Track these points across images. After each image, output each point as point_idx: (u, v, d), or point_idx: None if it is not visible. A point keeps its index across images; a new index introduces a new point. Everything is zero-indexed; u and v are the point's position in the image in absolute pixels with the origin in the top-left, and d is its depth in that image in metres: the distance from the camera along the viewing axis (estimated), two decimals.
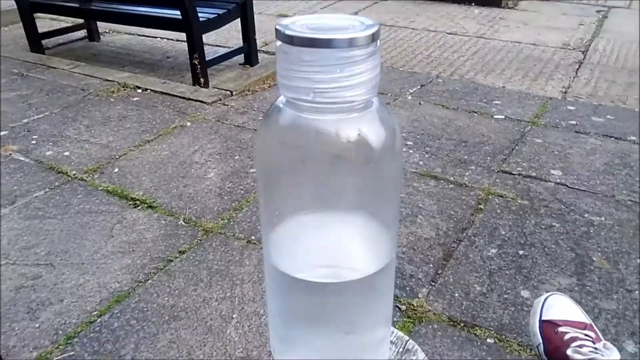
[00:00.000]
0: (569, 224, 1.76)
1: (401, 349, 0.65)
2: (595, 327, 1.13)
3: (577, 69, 3.34)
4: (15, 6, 3.49)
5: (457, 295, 1.47)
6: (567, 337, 1.07)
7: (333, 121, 0.43)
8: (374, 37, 0.41)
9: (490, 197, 1.91)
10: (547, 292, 1.29)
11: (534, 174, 2.07)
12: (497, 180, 2.02)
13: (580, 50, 3.67)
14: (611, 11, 4.71)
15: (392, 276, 0.54)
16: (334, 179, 0.45)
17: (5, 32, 4.26)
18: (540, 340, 1.13)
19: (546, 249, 1.65)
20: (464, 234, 1.72)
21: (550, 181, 2.02)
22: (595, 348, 1.02)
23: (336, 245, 0.49)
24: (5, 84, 2.95)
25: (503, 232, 1.72)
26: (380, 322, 0.55)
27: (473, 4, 5.01)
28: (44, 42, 3.62)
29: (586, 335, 1.08)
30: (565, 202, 1.88)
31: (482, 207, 1.85)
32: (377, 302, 0.53)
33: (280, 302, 0.54)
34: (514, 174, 2.06)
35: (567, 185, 1.99)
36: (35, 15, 3.53)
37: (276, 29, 0.42)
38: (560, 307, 1.16)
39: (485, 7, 4.91)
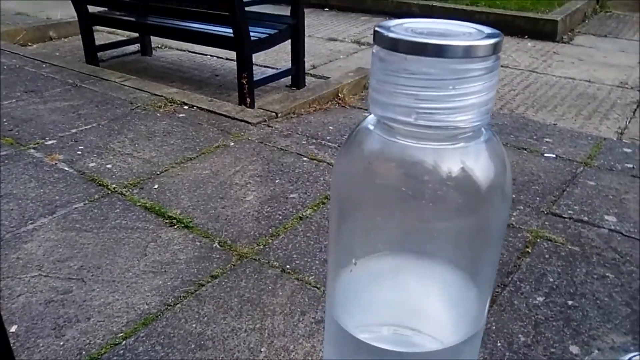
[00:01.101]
0: (624, 276, 1.64)
1: None
2: None
3: (635, 110, 3.20)
4: (76, 18, 3.60)
5: (499, 344, 1.38)
6: None
7: (433, 150, 0.35)
8: (496, 48, 0.34)
9: (538, 240, 1.81)
10: (601, 349, 1.18)
11: (585, 218, 1.95)
12: (546, 222, 1.92)
13: (639, 90, 3.52)
14: None
15: (477, 349, 0.45)
16: (425, 220, 0.37)
17: (65, 43, 4.41)
18: None
19: (598, 302, 1.53)
20: (509, 279, 1.62)
21: (604, 227, 1.90)
22: None
23: (414, 302, 0.41)
24: (59, 93, 3.02)
25: (551, 279, 1.62)
26: None
27: (526, 36, 4.91)
28: (99, 54, 3.72)
29: None
30: (620, 252, 1.76)
31: (530, 251, 1.75)
32: None
33: None
34: (565, 217, 1.96)
35: (622, 233, 1.87)
36: (93, 27, 3.63)
37: (375, 32, 0.34)
38: None
39: (539, 41, 4.80)
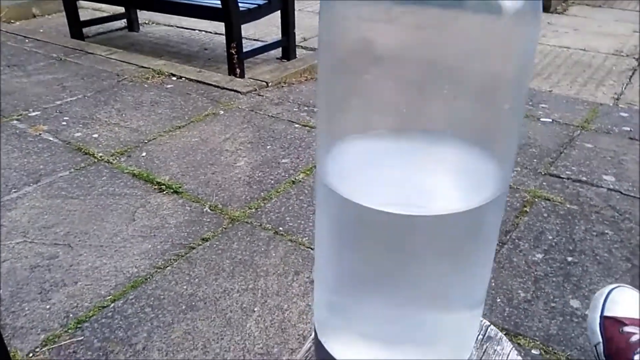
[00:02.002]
0: (624, 232, 1.61)
1: (481, 336, 0.52)
2: None
3: (631, 76, 3.16)
4: None
5: (499, 300, 1.35)
6: (634, 339, 0.90)
7: None
8: None
9: (536, 200, 1.78)
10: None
11: (584, 178, 1.92)
12: (544, 183, 1.88)
13: (635, 57, 3.48)
14: None
15: (498, 221, 0.39)
16: (436, 82, 0.32)
17: (49, 20, 4.31)
18: (600, 340, 0.96)
19: (598, 257, 1.50)
20: (508, 237, 1.59)
21: (602, 187, 1.86)
22: None
23: (424, 172, 0.36)
24: (42, 67, 2.94)
25: (550, 237, 1.59)
26: (474, 293, 0.41)
27: None
28: (84, 30, 3.63)
29: None
30: (619, 210, 1.73)
31: (528, 210, 1.72)
32: (477, 257, 0.38)
33: (337, 250, 0.39)
34: (563, 178, 1.92)
35: (621, 192, 1.83)
36: (78, 4, 3.54)
37: None
38: (627, 302, 0.98)
39: None
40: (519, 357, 0.53)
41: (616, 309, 0.97)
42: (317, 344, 0.46)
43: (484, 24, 0.31)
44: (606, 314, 0.97)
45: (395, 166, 0.35)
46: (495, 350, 0.51)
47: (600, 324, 0.97)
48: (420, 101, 0.33)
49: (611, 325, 0.95)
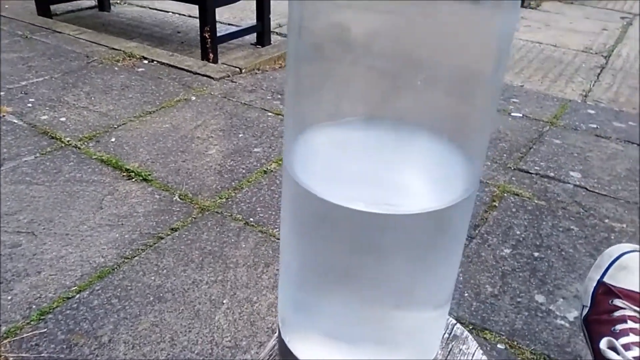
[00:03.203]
0: (588, 229, 1.65)
1: (447, 335, 0.51)
2: None
3: (599, 74, 3.21)
4: None
5: (466, 295, 1.37)
6: (617, 313, 0.83)
7: None
8: None
9: (505, 194, 1.80)
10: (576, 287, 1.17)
11: (552, 174, 1.95)
12: (513, 178, 1.91)
13: (603, 55, 3.54)
14: (636, 18, 4.57)
15: (467, 220, 0.39)
16: (403, 69, 0.31)
17: None
18: (588, 303, 0.89)
19: (563, 253, 1.53)
20: (477, 231, 1.61)
21: (569, 183, 1.90)
22: None
23: (392, 167, 0.35)
24: (6, 45, 2.84)
25: (518, 232, 1.61)
26: (441, 292, 0.40)
27: None
28: (52, 8, 3.51)
29: None
30: (584, 206, 1.77)
31: (497, 205, 1.74)
32: (444, 257, 0.38)
33: (302, 246, 0.38)
34: (531, 173, 1.95)
35: (586, 188, 1.87)
36: None
37: None
38: (634, 271, 0.88)
39: None
40: (484, 357, 0.54)
41: (619, 277, 0.89)
42: (281, 342, 0.46)
43: (461, 12, 0.30)
44: (606, 279, 0.89)
45: (363, 159, 0.34)
46: (460, 350, 0.51)
47: (595, 287, 0.90)
48: (392, 91, 0.32)
49: (604, 292, 0.88)
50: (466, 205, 0.37)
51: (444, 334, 0.51)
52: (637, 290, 0.85)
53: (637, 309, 0.82)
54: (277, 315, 1.26)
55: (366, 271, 0.36)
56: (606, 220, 1.69)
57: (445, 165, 0.36)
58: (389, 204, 0.34)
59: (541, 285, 1.41)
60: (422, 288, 0.38)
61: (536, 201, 1.78)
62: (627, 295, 0.85)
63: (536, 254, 1.53)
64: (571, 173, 1.97)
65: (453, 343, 0.51)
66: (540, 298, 1.37)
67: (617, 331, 0.80)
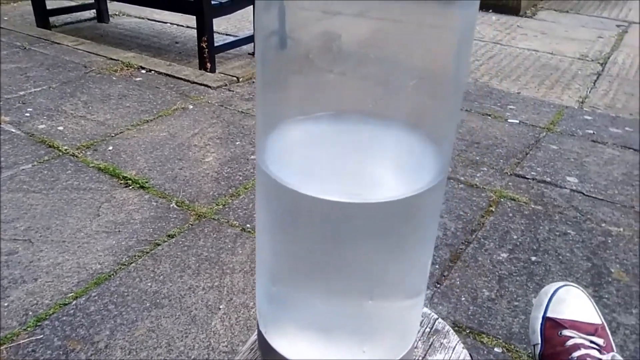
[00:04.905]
0: (585, 233, 1.65)
1: (428, 329, 0.52)
2: (607, 330, 0.94)
3: (595, 80, 3.23)
4: None
5: (463, 299, 1.36)
6: (570, 342, 0.89)
7: None
8: None
9: (502, 199, 1.80)
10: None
11: (548, 179, 1.96)
12: (510, 183, 1.91)
13: (599, 62, 3.56)
14: (631, 26, 4.60)
15: (437, 207, 0.39)
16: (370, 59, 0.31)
17: (14, 7, 4.18)
18: (539, 341, 0.95)
19: (560, 257, 1.53)
20: (473, 236, 1.61)
21: (566, 187, 1.90)
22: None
23: (361, 156, 0.35)
24: (5, 56, 2.86)
25: (515, 237, 1.61)
26: (415, 281, 0.40)
27: (490, 11, 4.91)
28: (51, 19, 3.54)
29: (593, 342, 0.89)
30: (581, 210, 1.77)
31: (493, 210, 1.74)
32: (416, 245, 0.38)
33: (276, 238, 0.38)
34: (528, 178, 1.95)
35: (583, 193, 1.87)
36: None
37: None
38: (571, 303, 0.96)
39: (502, 15, 4.81)
40: (465, 350, 0.54)
41: (560, 310, 0.95)
42: (260, 335, 0.46)
43: (423, 12, 0.31)
44: (549, 314, 0.96)
45: (332, 151, 0.35)
46: (441, 344, 0.51)
47: (541, 324, 0.96)
48: (360, 84, 0.33)
49: (551, 327, 0.94)
50: (436, 192, 0.37)
51: (425, 328, 0.51)
52: (578, 319, 0.92)
53: (585, 336, 0.88)
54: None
55: (339, 261, 0.37)
56: (603, 225, 1.70)
57: (414, 154, 0.36)
58: (359, 194, 0.34)
59: (538, 289, 1.41)
60: (395, 277, 0.38)
61: (533, 206, 1.78)
62: (572, 325, 0.91)
63: (533, 258, 1.53)
64: (568, 178, 1.97)
65: (434, 337, 0.51)
66: None
67: (575, 358, 0.85)
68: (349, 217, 0.35)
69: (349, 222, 0.35)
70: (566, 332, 0.92)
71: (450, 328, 0.52)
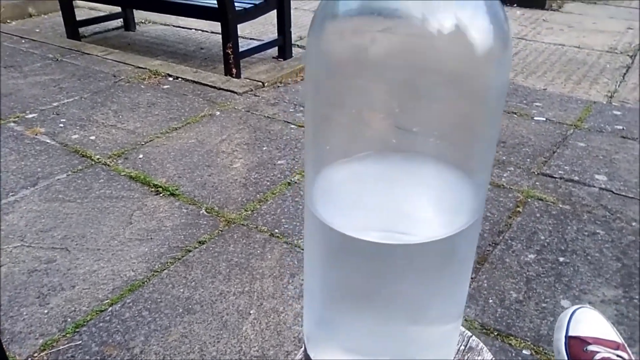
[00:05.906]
0: (615, 232, 1.63)
1: (462, 347, 0.54)
2: (627, 349, 0.99)
3: (625, 74, 3.17)
4: None
5: (491, 301, 1.37)
6: (597, 357, 0.93)
7: (421, 3, 0.31)
8: None
9: (529, 200, 1.80)
10: (584, 302, 1.17)
11: (576, 178, 1.94)
12: (537, 182, 1.90)
13: (629, 55, 3.49)
14: None
15: (474, 243, 0.42)
16: (409, 96, 0.33)
17: (45, 19, 4.30)
18: (566, 358, 0.99)
19: (589, 257, 1.52)
20: (501, 237, 1.61)
21: (595, 186, 1.89)
22: None
23: (402, 199, 0.38)
24: (39, 68, 2.95)
25: (542, 237, 1.61)
26: (453, 308, 0.43)
27: (515, 5, 4.85)
28: (80, 30, 3.63)
29: (619, 356, 0.93)
30: (610, 209, 1.75)
31: (521, 210, 1.74)
32: (455, 278, 0.41)
33: (323, 272, 0.41)
34: (555, 177, 1.94)
35: (612, 192, 1.85)
36: (74, 3, 3.54)
37: None
38: (590, 322, 1.01)
39: (527, 9, 4.75)
40: None
41: (580, 329, 1.00)
42: (307, 357, 0.48)
43: (459, 57, 0.33)
44: (571, 333, 1.00)
45: (376, 193, 0.37)
46: None
47: (565, 343, 1.00)
48: (403, 125, 0.35)
49: (576, 344, 0.98)
50: (472, 230, 0.39)
51: (460, 345, 0.53)
52: (600, 336, 0.96)
53: (612, 350, 0.92)
54: (302, 324, 1.28)
55: (382, 294, 0.39)
56: (633, 224, 1.68)
57: (453, 194, 0.38)
58: (402, 235, 0.37)
59: (567, 290, 1.41)
60: (434, 307, 0.41)
61: (561, 205, 1.77)
62: (596, 341, 0.95)
63: (561, 259, 1.52)
64: (596, 176, 1.95)
65: (469, 355, 0.53)
66: (566, 303, 1.36)
67: None
68: (392, 256, 0.37)
69: (392, 261, 0.37)
70: (592, 348, 0.95)
71: (483, 345, 0.53)
